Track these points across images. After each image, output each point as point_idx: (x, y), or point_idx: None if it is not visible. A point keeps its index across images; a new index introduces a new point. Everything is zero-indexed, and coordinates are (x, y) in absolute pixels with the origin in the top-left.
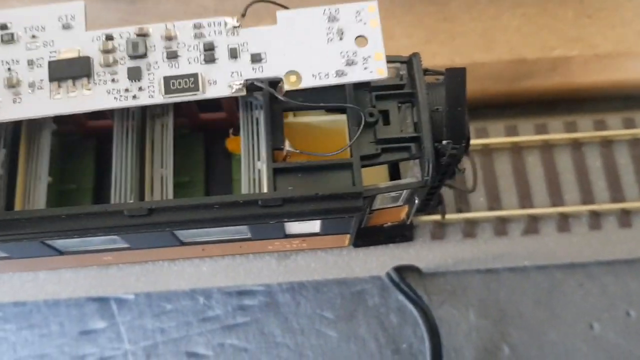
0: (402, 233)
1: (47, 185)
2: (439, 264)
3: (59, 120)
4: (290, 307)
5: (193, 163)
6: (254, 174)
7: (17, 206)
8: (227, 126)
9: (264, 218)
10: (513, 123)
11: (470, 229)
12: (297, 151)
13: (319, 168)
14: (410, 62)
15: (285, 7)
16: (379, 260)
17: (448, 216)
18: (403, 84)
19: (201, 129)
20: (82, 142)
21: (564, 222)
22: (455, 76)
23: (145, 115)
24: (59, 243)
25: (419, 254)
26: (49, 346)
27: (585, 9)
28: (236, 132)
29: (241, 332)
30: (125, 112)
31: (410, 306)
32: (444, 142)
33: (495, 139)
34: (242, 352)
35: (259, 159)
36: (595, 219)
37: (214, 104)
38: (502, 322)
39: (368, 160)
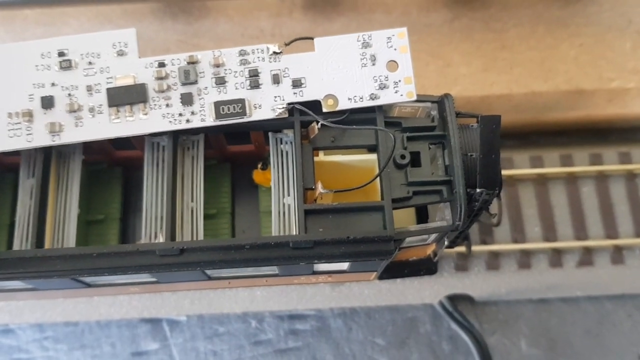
0: (427, 267)
1: (77, 216)
2: (492, 293)
3: (86, 149)
4: (342, 333)
5: (220, 194)
6: (282, 207)
7: (47, 237)
8: (254, 158)
9: (295, 259)
10: (568, 152)
11: (525, 259)
12: (331, 191)
13: (350, 210)
14: (442, 102)
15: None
16: (432, 289)
17: (502, 246)
18: (434, 126)
19: (228, 160)
20: (108, 171)
21: (618, 254)
22: (490, 124)
23: (176, 147)
24: (88, 279)
25: (473, 283)
26: None
27: None
28: (264, 167)
29: (293, 357)
30: (155, 143)
31: (463, 335)
32: (478, 190)
33: (550, 169)
34: None
35: (288, 194)
36: None
37: (242, 136)
38: (552, 352)
39: (399, 202)
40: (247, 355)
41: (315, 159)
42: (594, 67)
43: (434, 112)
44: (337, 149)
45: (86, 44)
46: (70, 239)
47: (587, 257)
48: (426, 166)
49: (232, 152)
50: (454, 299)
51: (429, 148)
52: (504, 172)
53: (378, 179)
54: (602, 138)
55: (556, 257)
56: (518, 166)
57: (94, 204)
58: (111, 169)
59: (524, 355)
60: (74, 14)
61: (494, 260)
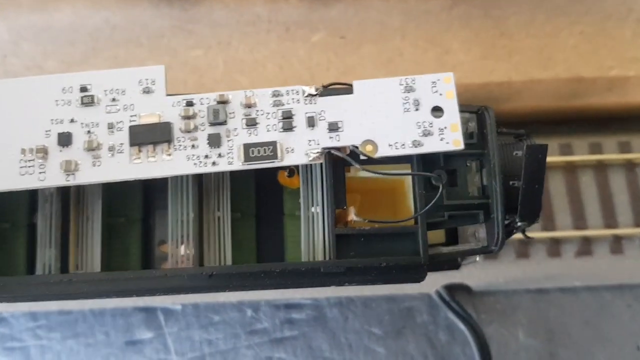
0: (451, 262)
1: (100, 231)
2: (490, 282)
3: None
4: (338, 322)
5: (244, 196)
6: (311, 216)
7: (72, 246)
8: None
9: (325, 284)
10: (567, 141)
11: (523, 249)
12: (365, 220)
13: (382, 235)
14: (482, 116)
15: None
16: (429, 278)
17: None
18: (473, 143)
19: None
20: None
21: (617, 244)
22: (536, 153)
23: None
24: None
25: (470, 272)
26: (94, 356)
27: None
28: (291, 174)
29: (289, 346)
30: None
31: (460, 324)
32: (519, 222)
33: (549, 158)
34: None
35: (317, 204)
36: None
37: None
38: (550, 342)
39: (433, 226)
40: (243, 344)
41: (347, 174)
42: (593, 56)
43: (472, 125)
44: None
45: (111, 80)
46: (95, 248)
47: (586, 246)
48: (462, 185)
49: (251, 168)
50: (451, 288)
51: (467, 165)
52: None
53: (411, 194)
54: (602, 127)
55: (555, 247)
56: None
57: (115, 207)
58: None
59: (522, 346)
60: (68, 1)
61: None
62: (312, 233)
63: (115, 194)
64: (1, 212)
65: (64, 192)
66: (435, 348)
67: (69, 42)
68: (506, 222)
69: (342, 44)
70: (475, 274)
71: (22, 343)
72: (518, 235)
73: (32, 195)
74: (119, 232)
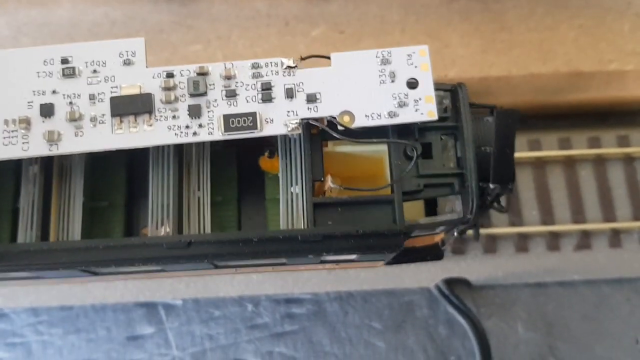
0: (434, 253)
1: (82, 205)
2: (489, 276)
3: None
4: (338, 317)
5: (226, 181)
6: (290, 196)
7: (52, 227)
8: (260, 143)
9: (303, 252)
10: (566, 135)
11: (523, 243)
12: (342, 187)
13: (359, 203)
14: (455, 92)
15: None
16: (429, 272)
17: (499, 230)
18: (447, 117)
19: (234, 145)
20: (112, 157)
21: (615, 237)
22: (507, 118)
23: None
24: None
25: (469, 266)
26: (96, 351)
27: None
28: (271, 155)
29: (289, 341)
30: None
31: (459, 318)
32: (492, 185)
33: (548, 152)
34: None
35: (296, 183)
36: None
37: None
38: (549, 336)
39: (409, 195)
40: (243, 339)
41: (325, 149)
42: (593, 49)
43: (447, 101)
44: (351, 141)
45: (92, 52)
46: (75, 229)
47: (584, 240)
48: (438, 158)
49: (231, 138)
50: (450, 282)
51: (441, 139)
52: None
53: (388, 167)
54: (601, 121)
55: (554, 241)
56: (516, 149)
57: (98, 191)
58: (115, 154)
59: (521, 339)
60: None
61: (491, 244)
62: (291, 209)
63: (100, 178)
64: None
65: (47, 174)
66: (435, 342)
67: (69, 37)
68: (481, 187)
69: (341, 39)
70: (474, 268)
71: (23, 339)
72: (514, 229)
73: (16, 180)
74: (102, 216)
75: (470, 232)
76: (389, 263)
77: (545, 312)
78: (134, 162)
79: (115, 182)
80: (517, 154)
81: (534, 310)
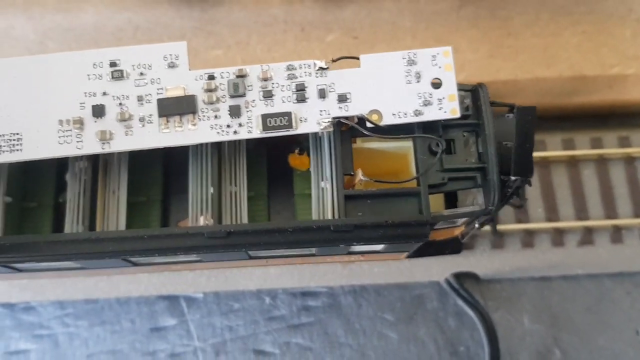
0: (453, 246)
1: (125, 200)
2: (497, 271)
3: None
4: (352, 309)
5: (257, 177)
6: (320, 191)
7: (98, 220)
8: (289, 141)
9: (335, 242)
10: (570, 136)
11: (528, 239)
12: (372, 180)
13: (388, 195)
14: (476, 91)
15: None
16: (440, 267)
17: (506, 226)
18: (468, 115)
19: (264, 143)
20: (150, 155)
21: (617, 233)
22: (526, 114)
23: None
24: (136, 258)
25: (478, 261)
26: (120, 342)
27: None
28: (301, 152)
29: (306, 332)
30: None
31: (468, 310)
32: (512, 177)
33: (553, 153)
34: (307, 351)
35: (323, 179)
36: None
37: None
38: (554, 327)
39: (434, 188)
40: (262, 330)
41: (353, 145)
42: (595, 54)
43: (468, 101)
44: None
45: (138, 55)
46: (120, 222)
47: (587, 236)
48: (460, 153)
49: (269, 136)
50: (460, 276)
51: (463, 136)
52: None
53: (413, 161)
54: (603, 123)
55: (558, 237)
56: None
57: (137, 186)
58: (152, 152)
59: (527, 331)
60: (91, 1)
61: (498, 240)
62: (322, 202)
63: (138, 175)
64: (29, 192)
65: (93, 170)
66: (445, 333)
67: (94, 42)
68: (503, 180)
69: (355, 44)
70: (482, 262)
71: (50, 330)
72: (521, 225)
73: (58, 176)
74: (141, 211)
75: (487, 228)
76: (410, 256)
77: (550, 304)
78: (170, 160)
79: (153, 178)
80: None
81: (539, 303)
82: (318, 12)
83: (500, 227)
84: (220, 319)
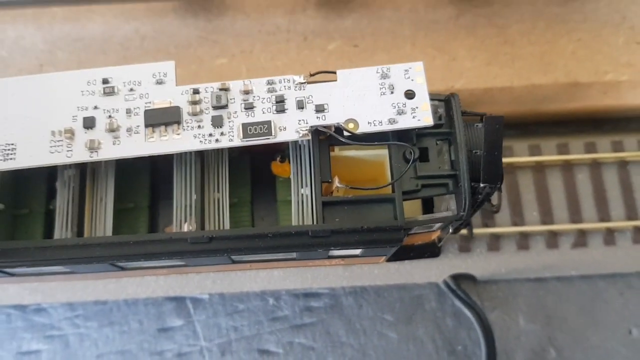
0: (431, 250)
1: (112, 206)
2: (493, 272)
3: None
4: (353, 310)
5: (240, 184)
6: (300, 197)
7: (86, 226)
8: (271, 149)
9: (313, 247)
10: (564, 141)
11: (524, 241)
12: (347, 187)
13: (364, 202)
14: (449, 101)
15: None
16: (437, 269)
17: (502, 229)
18: (441, 124)
19: (248, 152)
20: (137, 163)
21: (610, 236)
22: (494, 123)
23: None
24: (123, 263)
25: (475, 263)
26: (129, 343)
27: (636, 36)
28: (282, 160)
29: (308, 332)
30: None
31: (466, 311)
32: (482, 184)
33: (547, 157)
34: (310, 351)
35: (303, 185)
36: (639, 233)
37: None
38: (548, 327)
39: (408, 194)
40: (266, 330)
41: (331, 153)
42: (590, 61)
43: (441, 110)
44: (351, 145)
45: (129, 74)
46: (107, 227)
47: (581, 238)
48: (434, 161)
49: (252, 145)
50: (457, 278)
51: (437, 144)
52: (505, 160)
53: (389, 170)
54: (597, 128)
55: (552, 239)
56: (517, 154)
57: (125, 193)
58: (140, 160)
59: (522, 330)
60: (99, 11)
61: (495, 242)
62: (301, 208)
63: (126, 182)
64: (21, 199)
65: (81, 178)
66: (443, 332)
67: (102, 51)
68: (473, 187)
69: (356, 52)
70: (479, 264)
71: (61, 331)
72: (516, 228)
73: (49, 184)
74: (129, 217)
75: (465, 231)
76: (390, 260)
77: (545, 305)
78: (157, 168)
79: (140, 186)
80: (519, 159)
81: (534, 304)
82: (320, 21)
83: (496, 230)
84: (225, 320)
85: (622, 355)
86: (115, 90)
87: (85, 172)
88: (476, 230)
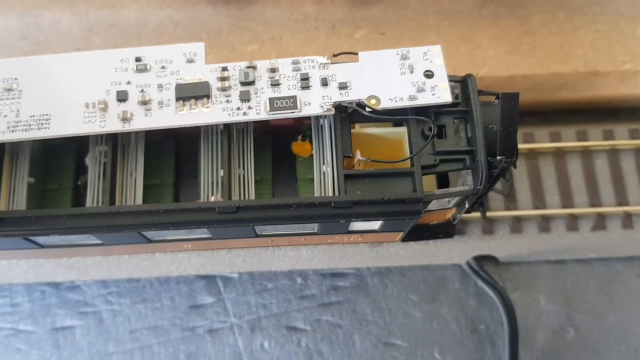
0: (446, 230)
1: (142, 180)
2: (515, 254)
3: None
4: (378, 289)
5: (263, 163)
6: (321, 175)
7: (117, 198)
8: (292, 130)
9: (335, 217)
10: (583, 128)
11: (545, 224)
12: (369, 160)
13: (384, 175)
14: (465, 82)
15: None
16: (461, 250)
17: (524, 212)
18: (458, 102)
19: (269, 133)
20: (163, 142)
21: (627, 219)
22: (510, 99)
23: (229, 123)
24: (152, 233)
25: (497, 245)
26: (161, 319)
27: None
28: (304, 139)
29: (335, 310)
30: None
31: (488, 291)
32: (498, 157)
33: (567, 143)
34: (337, 328)
35: (324, 163)
36: None
37: None
38: (568, 307)
39: (427, 169)
40: (294, 308)
41: (352, 131)
42: (608, 51)
43: (457, 91)
44: (372, 122)
45: (161, 53)
46: (137, 199)
47: (600, 222)
48: (451, 138)
49: (273, 125)
50: (480, 259)
51: (454, 122)
52: (526, 146)
53: (407, 146)
54: (614, 115)
55: (572, 222)
56: (538, 141)
57: (151, 171)
58: (165, 139)
59: (543, 310)
60: None
61: (517, 225)
62: (323, 184)
63: (153, 160)
64: (50, 175)
65: (113, 153)
66: (466, 312)
67: (136, 37)
68: (489, 161)
69: (382, 40)
70: (501, 246)
71: (95, 308)
72: (538, 211)
73: (77, 161)
74: (156, 193)
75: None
76: (405, 239)
77: (565, 286)
78: (181, 149)
79: (166, 164)
80: (539, 145)
81: (554, 285)
82: (347, 10)
83: (518, 212)
84: (254, 298)
85: (638, 335)
86: (148, 67)
87: (117, 148)
88: (499, 213)
